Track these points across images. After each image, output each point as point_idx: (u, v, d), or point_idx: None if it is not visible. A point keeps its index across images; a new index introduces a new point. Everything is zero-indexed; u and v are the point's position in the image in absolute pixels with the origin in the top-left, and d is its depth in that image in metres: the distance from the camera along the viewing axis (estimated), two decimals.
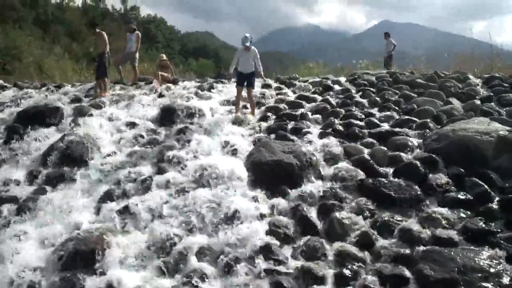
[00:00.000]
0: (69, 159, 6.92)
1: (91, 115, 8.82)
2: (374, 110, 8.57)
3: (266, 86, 10.97)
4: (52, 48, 19.04)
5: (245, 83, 8.84)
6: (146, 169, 6.48)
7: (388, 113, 8.28)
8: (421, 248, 4.30)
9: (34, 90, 11.11)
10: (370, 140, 6.99)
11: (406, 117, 7.85)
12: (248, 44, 8.57)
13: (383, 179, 5.61)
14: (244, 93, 9.09)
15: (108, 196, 5.86)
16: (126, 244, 4.78)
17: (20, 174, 6.83)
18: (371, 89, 9.97)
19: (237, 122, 8.17)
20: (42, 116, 8.48)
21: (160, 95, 10.17)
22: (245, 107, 9.28)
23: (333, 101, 9.33)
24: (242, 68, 8.80)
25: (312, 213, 5.14)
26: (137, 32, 11.77)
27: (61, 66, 16.47)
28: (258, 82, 11.52)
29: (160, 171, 6.39)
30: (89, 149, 7.19)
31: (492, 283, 3.74)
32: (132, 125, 8.33)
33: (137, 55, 11.88)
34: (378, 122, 7.78)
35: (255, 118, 8.63)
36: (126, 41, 11.90)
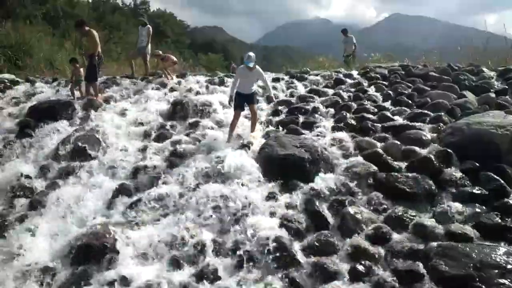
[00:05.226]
0: (81, 153, 6.97)
1: (102, 109, 8.84)
2: (387, 104, 8.47)
3: (277, 80, 10.90)
4: (63, 43, 19.08)
5: (245, 104, 7.58)
6: (157, 164, 6.49)
7: (401, 106, 8.16)
8: (436, 243, 4.23)
9: (45, 85, 11.16)
10: (383, 134, 6.92)
11: (420, 110, 7.73)
12: (251, 65, 7.19)
13: (396, 174, 5.54)
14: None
15: (119, 191, 5.89)
16: (137, 238, 4.79)
17: (32, 169, 6.87)
18: (384, 82, 9.86)
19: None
20: (53, 110, 8.53)
21: (171, 90, 10.15)
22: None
23: (345, 94, 9.25)
24: (241, 88, 7.41)
25: (324, 208, 5.09)
26: (148, 26, 11.73)
27: None
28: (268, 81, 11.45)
29: (172, 165, 6.39)
30: (100, 143, 7.24)
31: (509, 280, 3.67)
32: (143, 119, 8.34)
33: (148, 49, 11.85)
34: (391, 116, 7.67)
35: (257, 135, 7.48)
36: (138, 36, 11.91)
